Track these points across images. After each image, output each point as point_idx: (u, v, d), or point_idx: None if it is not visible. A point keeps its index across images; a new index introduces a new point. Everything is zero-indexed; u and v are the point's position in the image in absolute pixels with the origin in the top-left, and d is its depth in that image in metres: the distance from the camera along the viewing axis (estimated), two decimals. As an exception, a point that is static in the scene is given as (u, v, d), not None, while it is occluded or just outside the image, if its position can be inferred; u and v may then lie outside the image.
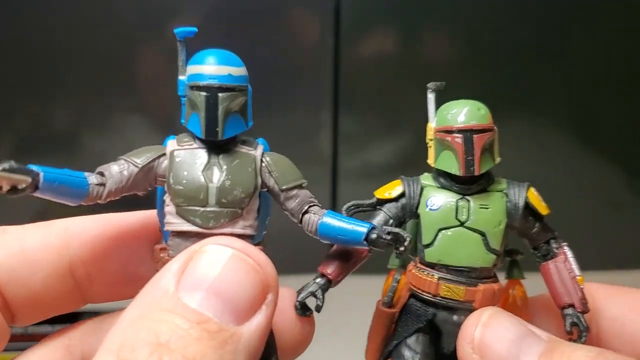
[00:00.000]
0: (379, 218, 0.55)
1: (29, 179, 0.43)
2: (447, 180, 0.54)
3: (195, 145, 0.50)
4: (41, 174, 0.44)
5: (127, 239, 0.56)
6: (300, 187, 0.51)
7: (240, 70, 0.49)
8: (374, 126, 1.24)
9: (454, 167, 0.53)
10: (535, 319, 0.52)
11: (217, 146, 0.49)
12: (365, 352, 0.59)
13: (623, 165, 1.28)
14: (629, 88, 1.24)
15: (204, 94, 0.48)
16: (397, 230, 0.50)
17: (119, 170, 0.49)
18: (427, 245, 0.53)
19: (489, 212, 0.53)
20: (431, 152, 0.55)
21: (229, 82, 0.48)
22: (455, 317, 0.53)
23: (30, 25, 1.12)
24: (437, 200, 0.54)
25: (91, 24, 1.14)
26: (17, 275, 0.52)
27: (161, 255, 0.49)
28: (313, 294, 0.53)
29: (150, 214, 0.55)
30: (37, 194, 0.45)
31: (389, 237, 0.49)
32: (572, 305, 0.53)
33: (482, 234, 0.53)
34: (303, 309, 0.54)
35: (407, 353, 0.55)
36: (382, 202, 0.56)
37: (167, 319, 0.39)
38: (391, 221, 0.55)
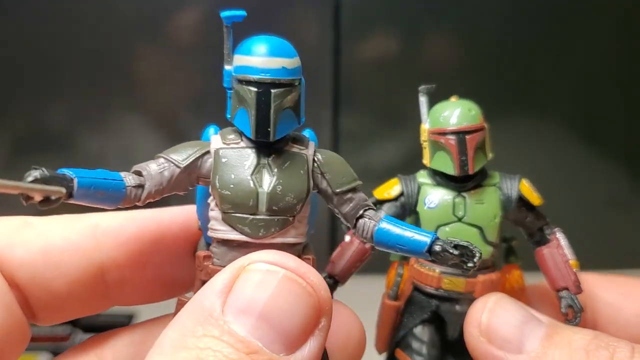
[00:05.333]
0: None
1: (63, 190, 0.39)
2: (442, 178, 0.56)
3: (242, 144, 0.45)
4: (75, 180, 0.40)
5: (166, 240, 0.51)
6: (354, 190, 0.47)
7: (294, 62, 0.44)
8: (375, 126, 1.23)
9: (449, 167, 0.55)
10: (533, 306, 0.54)
11: (266, 145, 0.45)
12: (375, 342, 0.61)
13: (627, 164, 1.27)
14: (632, 86, 1.23)
15: (254, 89, 0.43)
16: (465, 243, 0.44)
17: (158, 171, 0.44)
18: None
19: (484, 207, 0.55)
20: (426, 153, 0.57)
21: (283, 76, 0.43)
22: (458, 307, 0.56)
23: (27, 25, 1.12)
24: (435, 198, 0.56)
25: (88, 23, 1.13)
26: (39, 277, 0.47)
27: (205, 263, 0.45)
28: None
29: (189, 210, 0.51)
30: (71, 201, 0.41)
31: (456, 252, 0.43)
32: (566, 288, 0.56)
33: (479, 228, 0.55)
34: None
35: (414, 343, 0.57)
36: (381, 201, 0.58)
37: (214, 347, 0.36)
38: None
